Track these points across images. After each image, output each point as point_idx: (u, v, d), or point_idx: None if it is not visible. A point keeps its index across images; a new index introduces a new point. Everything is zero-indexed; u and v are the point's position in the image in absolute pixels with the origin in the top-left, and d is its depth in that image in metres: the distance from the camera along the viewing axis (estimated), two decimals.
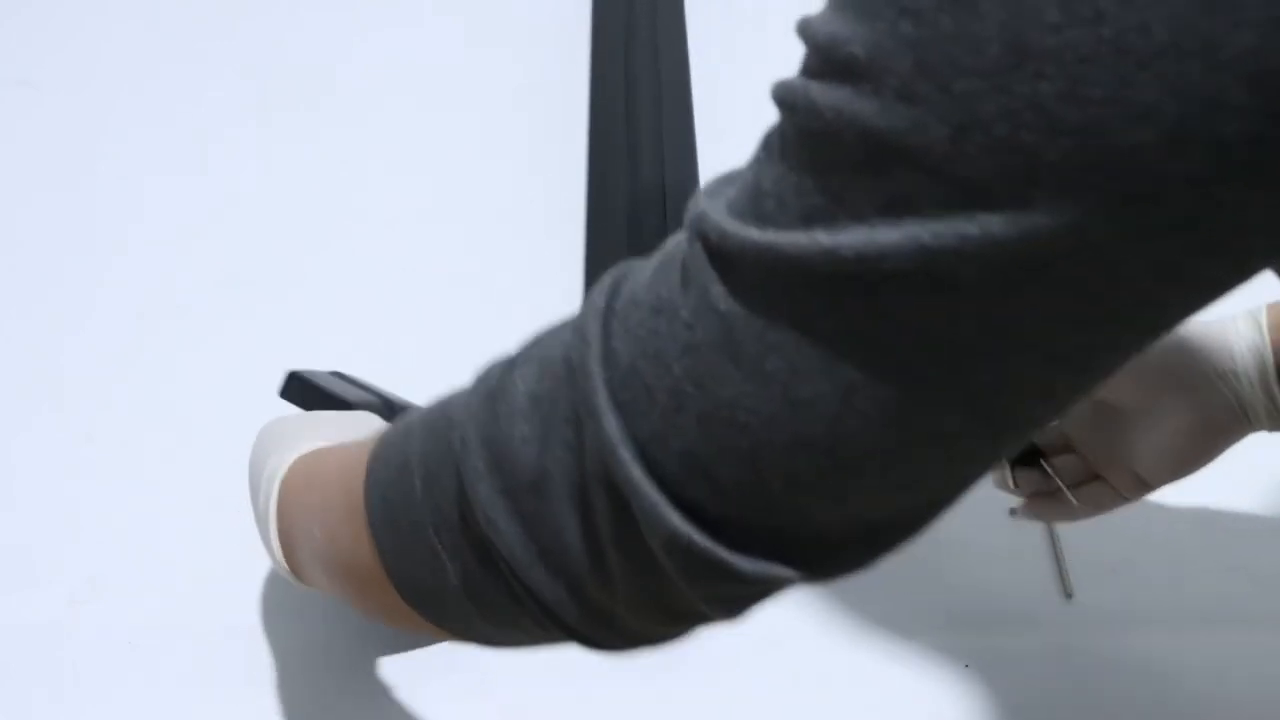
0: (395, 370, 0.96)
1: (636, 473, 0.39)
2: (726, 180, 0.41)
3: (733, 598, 0.42)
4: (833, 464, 0.37)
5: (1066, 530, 0.84)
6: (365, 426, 0.66)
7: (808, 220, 0.35)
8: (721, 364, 0.37)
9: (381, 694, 0.77)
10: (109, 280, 1.02)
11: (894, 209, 0.33)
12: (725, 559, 0.39)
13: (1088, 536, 0.83)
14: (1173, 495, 0.87)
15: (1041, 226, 0.31)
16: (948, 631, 0.80)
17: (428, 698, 0.76)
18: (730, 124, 1.17)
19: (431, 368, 0.96)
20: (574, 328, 0.42)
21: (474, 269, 1.04)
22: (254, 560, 0.83)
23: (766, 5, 1.33)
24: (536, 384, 0.43)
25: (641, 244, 0.91)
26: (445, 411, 0.47)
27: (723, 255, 0.37)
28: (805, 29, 0.36)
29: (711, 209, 0.38)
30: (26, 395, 0.94)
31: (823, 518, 0.39)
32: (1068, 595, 0.82)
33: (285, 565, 0.60)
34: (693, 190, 0.99)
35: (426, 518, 0.46)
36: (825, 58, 0.34)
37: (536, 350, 0.44)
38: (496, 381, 0.44)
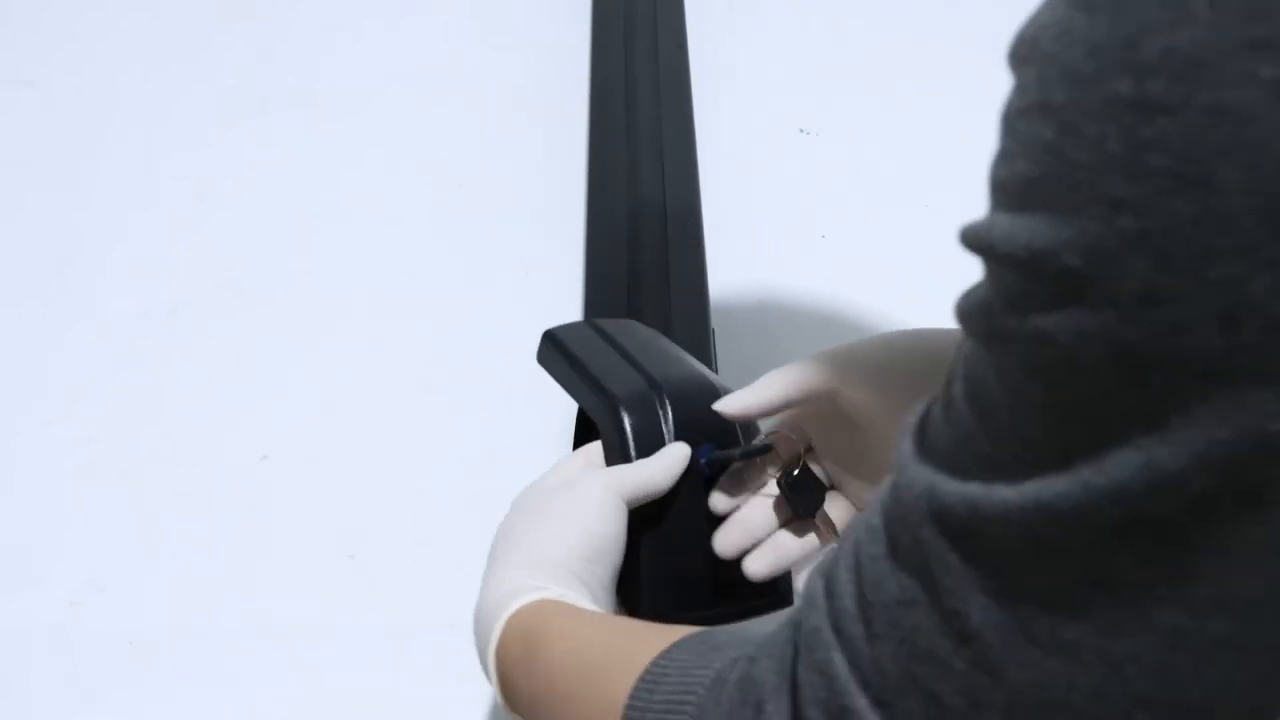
0: (396, 370, 0.96)
1: None
2: (920, 431, 0.36)
3: None
4: (1177, 715, 0.32)
5: None
6: (591, 486, 0.61)
7: (1067, 459, 0.30)
8: (1009, 647, 0.32)
9: (384, 692, 0.77)
10: (109, 280, 1.02)
11: (1168, 424, 0.29)
12: None
13: None
14: None
15: None
16: None
17: (427, 694, 0.77)
18: (730, 125, 1.17)
19: (432, 367, 0.97)
20: (806, 663, 0.37)
21: (474, 269, 1.04)
22: (253, 560, 0.83)
23: (767, 5, 1.33)
24: None
25: (641, 244, 0.91)
26: None
27: (974, 529, 0.32)
28: (981, 241, 0.31)
29: (939, 480, 0.33)
30: (27, 395, 0.94)
31: None
32: None
33: (507, 710, 0.57)
34: (693, 190, 0.99)
35: None
36: (1029, 274, 0.30)
37: (777, 673, 0.39)
38: None
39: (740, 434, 0.64)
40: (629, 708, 0.46)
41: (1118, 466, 0.29)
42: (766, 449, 0.63)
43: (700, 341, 0.85)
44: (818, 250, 1.04)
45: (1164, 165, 0.27)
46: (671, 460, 0.62)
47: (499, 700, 0.58)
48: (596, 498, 0.60)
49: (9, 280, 1.02)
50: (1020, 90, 0.30)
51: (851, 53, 1.25)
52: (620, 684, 0.47)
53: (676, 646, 0.47)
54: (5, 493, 0.87)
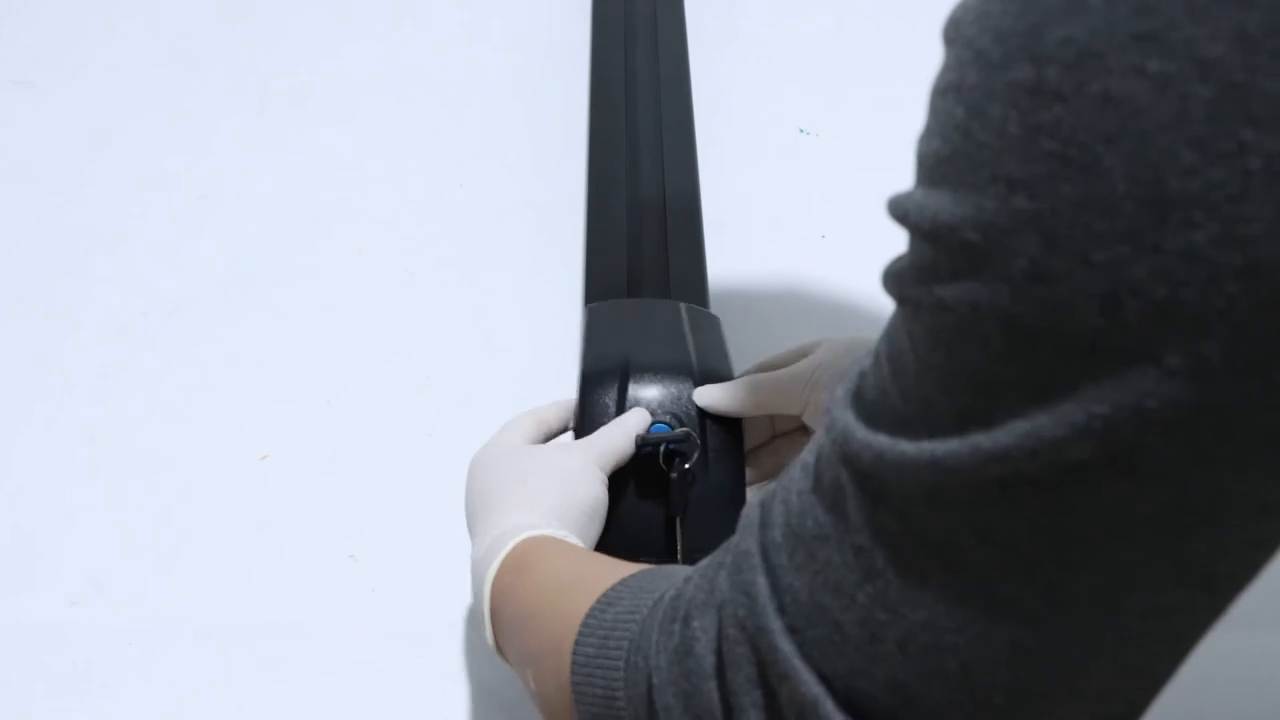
0: (396, 369, 0.96)
1: None
2: (855, 381, 0.38)
3: None
4: (1053, 666, 0.34)
5: None
6: (574, 462, 0.65)
7: (961, 424, 0.32)
8: (907, 587, 0.35)
9: (384, 692, 0.77)
10: (110, 280, 1.02)
11: (1052, 394, 0.30)
12: None
13: None
14: None
15: (1223, 381, 0.28)
16: None
17: (430, 689, 0.77)
18: (731, 123, 1.17)
19: (432, 367, 0.97)
20: (734, 583, 0.40)
21: (474, 268, 1.04)
22: (253, 560, 0.83)
23: (767, 5, 1.33)
24: (716, 641, 0.41)
25: (641, 244, 0.91)
26: (643, 645, 0.45)
27: (876, 476, 0.35)
28: (900, 211, 0.33)
29: (854, 426, 0.35)
30: (28, 395, 0.94)
31: None
32: None
33: (494, 645, 0.61)
34: (693, 190, 0.99)
35: None
36: (936, 245, 0.32)
37: (708, 593, 0.42)
38: (680, 637, 0.42)
39: (700, 421, 0.69)
40: (584, 624, 0.49)
41: (1005, 433, 0.31)
42: (688, 437, 0.67)
43: None
44: (818, 250, 1.04)
45: (1055, 150, 0.28)
46: (628, 424, 0.67)
47: (489, 640, 0.60)
48: (579, 465, 0.64)
49: (9, 280, 1.02)
50: (943, 70, 0.32)
51: (851, 53, 1.25)
52: (581, 604, 0.50)
53: (635, 575, 0.50)
54: (6, 492, 0.87)
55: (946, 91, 0.31)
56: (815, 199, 1.10)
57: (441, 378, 0.95)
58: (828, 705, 0.37)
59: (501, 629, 0.59)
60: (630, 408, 0.69)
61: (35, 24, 1.28)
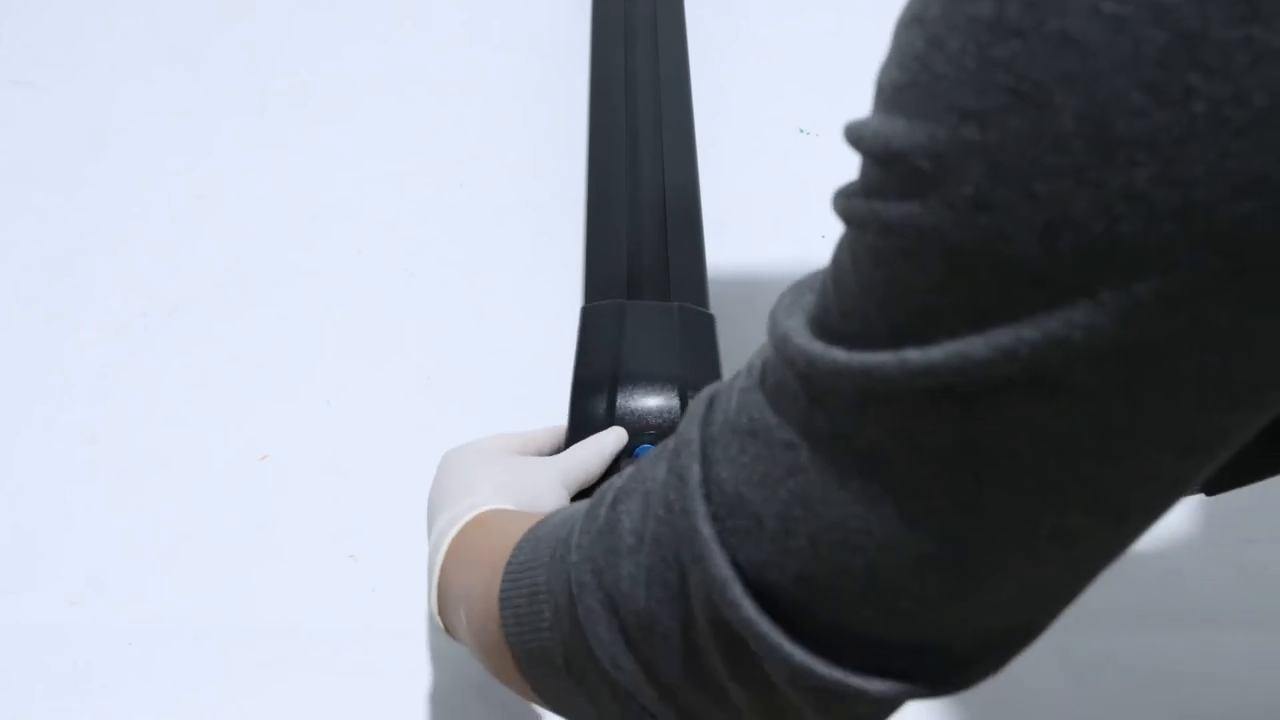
0: (397, 369, 0.96)
1: (750, 610, 0.38)
2: (803, 288, 0.39)
3: (866, 716, 0.40)
4: (956, 578, 0.36)
5: None
6: (541, 476, 0.66)
7: (895, 339, 0.33)
8: (826, 485, 0.36)
9: (384, 692, 0.77)
10: (111, 280, 1.02)
11: (986, 319, 0.31)
12: (852, 685, 0.38)
13: None
14: None
15: (1150, 316, 0.29)
16: None
17: (428, 690, 0.77)
18: (730, 123, 1.17)
19: (432, 367, 0.97)
20: (670, 466, 0.41)
21: (474, 268, 1.04)
22: (253, 560, 0.83)
23: (766, 4, 1.33)
24: (640, 522, 0.42)
25: (641, 245, 0.91)
26: (567, 538, 0.47)
27: (813, 380, 0.36)
28: (855, 135, 0.34)
29: (794, 330, 0.37)
30: (28, 395, 0.94)
31: (950, 633, 0.38)
32: None
33: (439, 619, 0.62)
34: (693, 190, 0.99)
35: (558, 651, 0.47)
36: (886, 169, 0.32)
37: (639, 481, 0.44)
38: (605, 518, 0.44)
39: None
40: (519, 542, 0.51)
41: (936, 350, 0.32)
42: None
43: None
44: (818, 250, 1.04)
45: (1009, 83, 0.29)
46: (603, 445, 0.67)
47: (434, 618, 0.61)
48: (546, 483, 0.65)
49: (9, 280, 1.02)
50: (909, 3, 0.33)
51: (851, 53, 1.25)
52: (519, 535, 0.52)
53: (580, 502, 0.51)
54: (6, 492, 0.87)
55: (910, 23, 0.32)
56: (815, 199, 1.09)
57: (441, 378, 0.95)
58: (736, 589, 0.38)
59: (447, 609, 0.59)
60: (620, 418, 0.69)
61: (35, 24, 1.28)
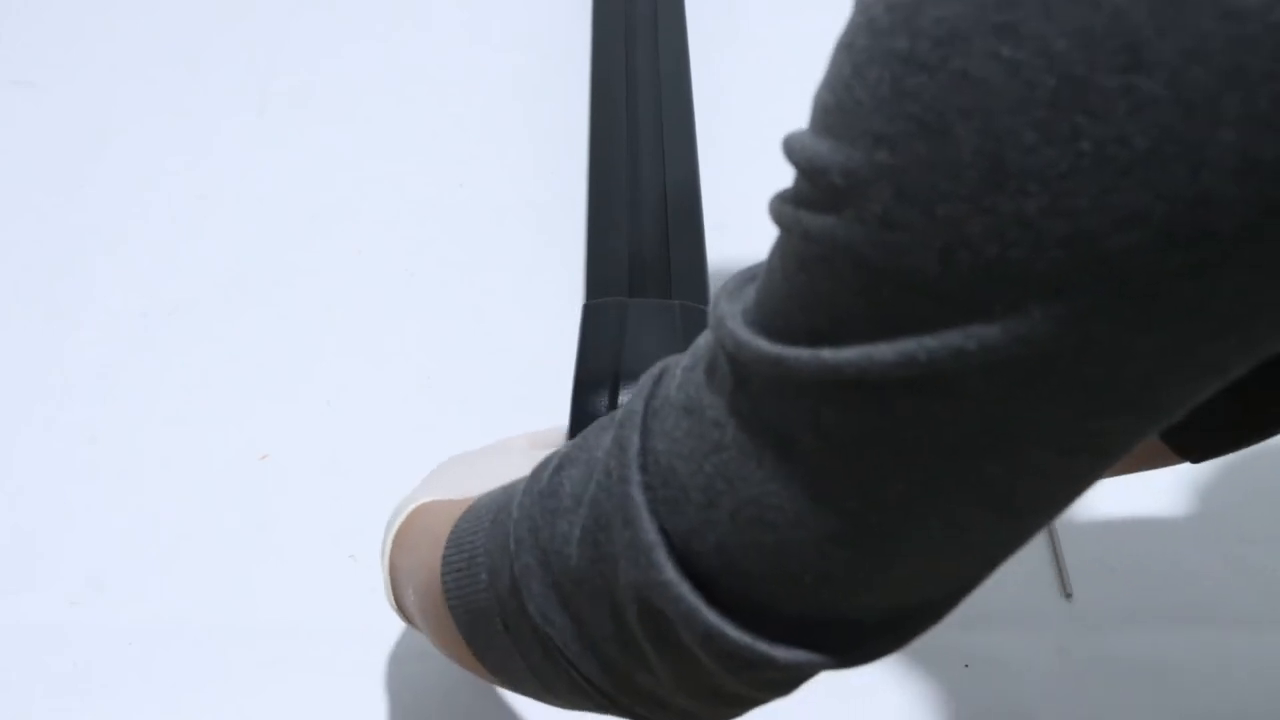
0: (397, 369, 0.96)
1: (672, 574, 0.40)
2: (748, 278, 0.42)
3: (776, 682, 0.43)
4: (858, 558, 0.38)
5: (1066, 529, 0.84)
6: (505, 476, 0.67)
7: (813, 339, 0.36)
8: (745, 463, 0.38)
9: (383, 691, 0.77)
10: (111, 280, 1.02)
11: (892, 329, 0.34)
12: (761, 651, 0.40)
13: (1087, 536, 0.83)
14: (1173, 494, 0.88)
15: (1040, 332, 0.32)
16: (947, 631, 0.80)
17: (430, 691, 0.77)
18: (730, 123, 1.17)
19: (432, 367, 0.97)
20: (615, 436, 0.43)
21: (474, 268, 1.04)
22: (253, 560, 0.83)
23: (767, 4, 1.33)
24: (582, 486, 0.44)
25: (642, 245, 0.91)
26: (508, 503, 0.49)
27: (739, 363, 0.38)
28: (788, 149, 0.37)
29: (730, 315, 0.39)
30: (28, 395, 0.94)
31: (853, 609, 0.40)
32: (1067, 595, 0.82)
33: (394, 605, 0.63)
34: (693, 190, 0.99)
35: (495, 610, 0.48)
36: (810, 183, 0.35)
37: (585, 450, 0.46)
38: (548, 481, 0.46)
39: None
40: (464, 513, 0.52)
41: (847, 350, 0.35)
42: None
43: None
44: None
45: (916, 113, 0.32)
46: None
47: (391, 605, 0.62)
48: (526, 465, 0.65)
49: (9, 281, 1.02)
50: (846, 29, 0.35)
51: None
52: (460, 512, 0.53)
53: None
54: (6, 492, 0.87)
55: (842, 49, 0.35)
56: None
57: (441, 378, 0.95)
58: (661, 553, 0.40)
59: (397, 580, 0.61)
60: None
61: (35, 24, 1.28)
